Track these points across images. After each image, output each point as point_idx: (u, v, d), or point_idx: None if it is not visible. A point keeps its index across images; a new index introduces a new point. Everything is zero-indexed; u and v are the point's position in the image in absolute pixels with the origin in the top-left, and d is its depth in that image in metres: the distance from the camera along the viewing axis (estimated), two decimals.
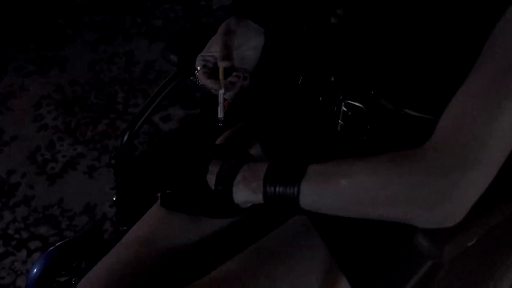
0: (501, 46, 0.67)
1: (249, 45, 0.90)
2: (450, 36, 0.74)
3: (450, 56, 0.75)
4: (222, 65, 0.86)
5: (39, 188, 1.76)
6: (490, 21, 0.68)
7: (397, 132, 0.82)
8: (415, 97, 0.80)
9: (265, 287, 0.80)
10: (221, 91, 0.87)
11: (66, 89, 2.07)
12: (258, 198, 0.74)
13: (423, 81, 0.79)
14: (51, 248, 1.03)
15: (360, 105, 0.84)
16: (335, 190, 0.69)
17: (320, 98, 0.89)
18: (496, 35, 0.67)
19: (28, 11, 2.37)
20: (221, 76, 0.87)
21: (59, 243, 1.05)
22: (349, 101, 0.85)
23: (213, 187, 0.78)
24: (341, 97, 0.86)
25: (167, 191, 0.85)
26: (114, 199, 1.13)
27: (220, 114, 0.90)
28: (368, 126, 0.84)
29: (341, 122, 0.87)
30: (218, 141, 0.99)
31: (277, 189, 0.72)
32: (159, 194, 0.86)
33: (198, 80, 0.90)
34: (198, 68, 0.90)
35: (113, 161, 1.10)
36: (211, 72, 0.88)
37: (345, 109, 0.85)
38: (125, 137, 1.05)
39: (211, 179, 0.78)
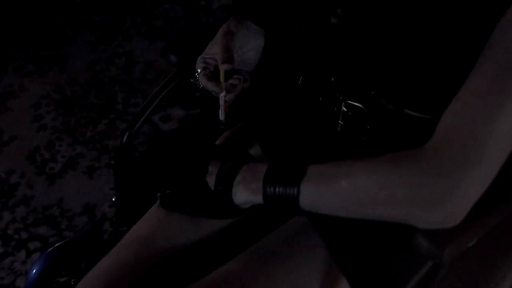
0: (501, 46, 0.67)
1: (250, 47, 0.90)
2: (450, 36, 0.74)
3: (450, 56, 0.75)
4: (223, 67, 0.86)
5: (39, 188, 1.76)
6: (490, 21, 0.68)
7: (397, 133, 0.82)
8: (415, 97, 0.80)
9: None
10: (222, 94, 0.87)
11: (66, 89, 2.07)
12: (258, 198, 0.74)
13: (423, 81, 0.79)
14: (51, 248, 1.03)
15: (360, 105, 0.84)
16: (335, 191, 0.69)
17: (320, 98, 0.89)
18: (496, 36, 0.67)
19: (28, 11, 2.37)
20: (222, 79, 0.87)
21: (58, 244, 1.04)
22: (349, 101, 0.85)
23: (212, 188, 0.78)
24: (341, 97, 0.86)
25: (167, 192, 0.84)
26: (113, 199, 1.13)
27: (221, 117, 0.89)
28: (368, 127, 0.84)
29: (341, 123, 0.86)
30: (217, 142, 0.99)
31: (277, 189, 0.71)
32: (158, 195, 0.86)
33: (198, 82, 0.90)
34: (199, 70, 0.90)
35: (112, 162, 1.10)
36: (212, 74, 0.88)
37: (345, 109, 0.85)
38: (125, 137, 1.05)
39: (211, 180, 0.78)
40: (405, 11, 0.79)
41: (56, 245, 1.04)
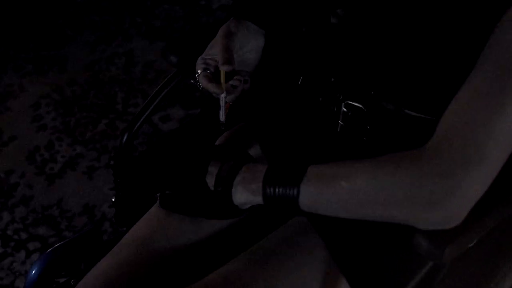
0: (501, 46, 0.67)
1: (250, 47, 0.90)
2: (450, 37, 0.74)
3: (450, 56, 0.75)
4: (224, 69, 0.85)
5: (38, 188, 1.76)
6: (490, 22, 0.68)
7: (397, 133, 0.82)
8: (415, 97, 0.80)
9: None
10: (223, 95, 0.87)
11: (65, 89, 2.07)
12: (258, 199, 0.74)
13: (423, 82, 0.78)
14: (50, 249, 1.03)
15: (360, 106, 0.84)
16: (335, 191, 0.69)
17: (320, 99, 0.89)
18: (496, 36, 0.67)
19: (28, 11, 2.37)
20: (222, 80, 0.87)
21: (58, 244, 1.04)
22: (349, 102, 0.85)
23: (212, 188, 0.77)
24: (341, 98, 0.86)
25: (166, 192, 0.84)
26: (113, 199, 1.13)
27: (222, 118, 0.89)
28: (368, 127, 0.84)
29: (341, 123, 0.86)
30: (217, 142, 0.99)
31: (277, 190, 0.71)
32: (158, 195, 0.86)
33: (198, 83, 0.90)
34: (199, 71, 0.89)
35: (112, 162, 1.10)
36: (212, 75, 0.88)
37: (345, 109, 0.85)
38: (125, 137, 1.05)
39: (211, 180, 0.78)
40: (405, 11, 0.79)
41: (55, 246, 1.04)
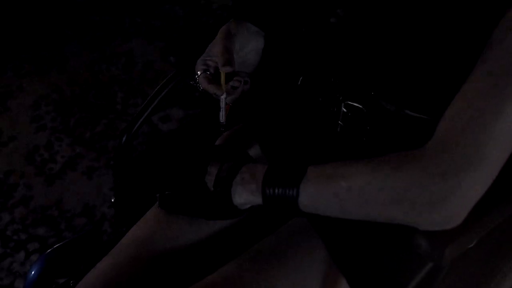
0: (501, 46, 0.67)
1: (250, 48, 0.90)
2: (451, 37, 0.74)
3: (450, 57, 0.75)
4: (224, 70, 0.85)
5: (38, 188, 1.76)
6: (490, 22, 0.68)
7: (397, 133, 0.82)
8: (416, 98, 0.80)
9: None
10: (223, 96, 0.87)
11: (65, 89, 2.07)
12: (257, 199, 0.74)
13: (423, 82, 0.78)
14: (50, 249, 1.03)
15: (360, 106, 0.84)
16: (335, 192, 0.69)
17: (320, 99, 0.89)
18: (496, 36, 0.67)
19: (28, 11, 2.37)
20: (222, 81, 0.87)
21: (57, 245, 1.04)
22: (349, 102, 0.85)
23: (212, 189, 0.77)
24: (341, 98, 0.85)
25: (166, 192, 0.84)
26: (113, 200, 1.13)
27: (222, 119, 0.89)
28: (368, 127, 0.84)
29: (341, 123, 0.86)
30: (217, 142, 0.99)
31: (276, 190, 0.71)
32: (157, 195, 0.86)
33: (198, 85, 0.90)
34: (199, 72, 0.89)
35: (112, 162, 1.10)
36: (212, 76, 0.88)
37: (345, 110, 0.85)
38: (124, 138, 1.05)
39: (210, 180, 0.78)
40: (405, 11, 0.79)
41: (55, 246, 1.04)
